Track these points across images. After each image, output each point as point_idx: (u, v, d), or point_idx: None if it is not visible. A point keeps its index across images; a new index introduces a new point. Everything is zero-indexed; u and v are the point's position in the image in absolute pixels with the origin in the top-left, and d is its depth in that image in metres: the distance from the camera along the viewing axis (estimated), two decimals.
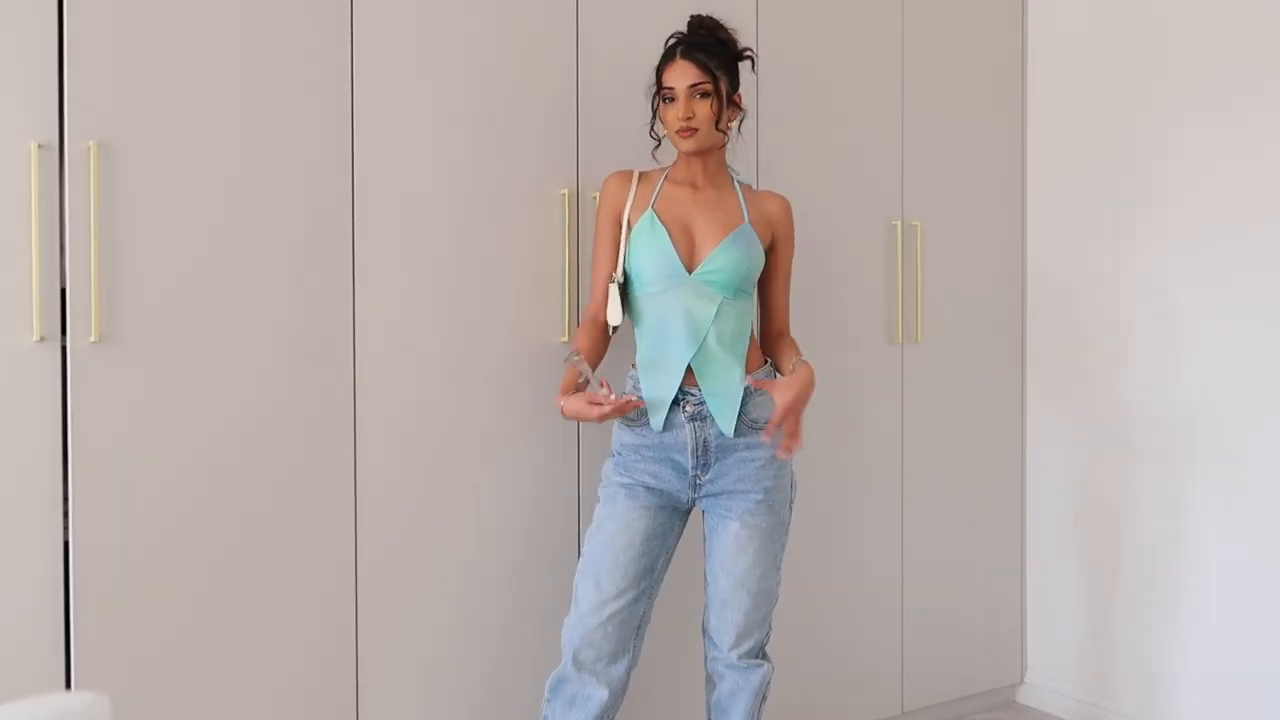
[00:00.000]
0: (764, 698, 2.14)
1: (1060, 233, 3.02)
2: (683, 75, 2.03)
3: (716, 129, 2.06)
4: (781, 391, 2.03)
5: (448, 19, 2.18)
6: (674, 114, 2.05)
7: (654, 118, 2.15)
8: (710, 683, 2.16)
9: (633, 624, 2.06)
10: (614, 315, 2.10)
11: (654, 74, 2.11)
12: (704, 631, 2.15)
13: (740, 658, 2.10)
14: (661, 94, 2.07)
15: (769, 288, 2.23)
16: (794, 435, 2.04)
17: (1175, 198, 2.75)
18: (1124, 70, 2.86)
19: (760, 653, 2.13)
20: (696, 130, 2.04)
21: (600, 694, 2.03)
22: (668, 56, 2.07)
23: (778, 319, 2.24)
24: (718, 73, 2.04)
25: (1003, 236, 3.06)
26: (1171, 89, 2.76)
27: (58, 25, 1.81)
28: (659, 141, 2.20)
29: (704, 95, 2.03)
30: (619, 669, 2.05)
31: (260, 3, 1.99)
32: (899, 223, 2.82)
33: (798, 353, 2.16)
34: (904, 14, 2.84)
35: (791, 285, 2.26)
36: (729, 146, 2.19)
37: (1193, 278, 2.71)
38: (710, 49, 2.05)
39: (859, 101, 2.77)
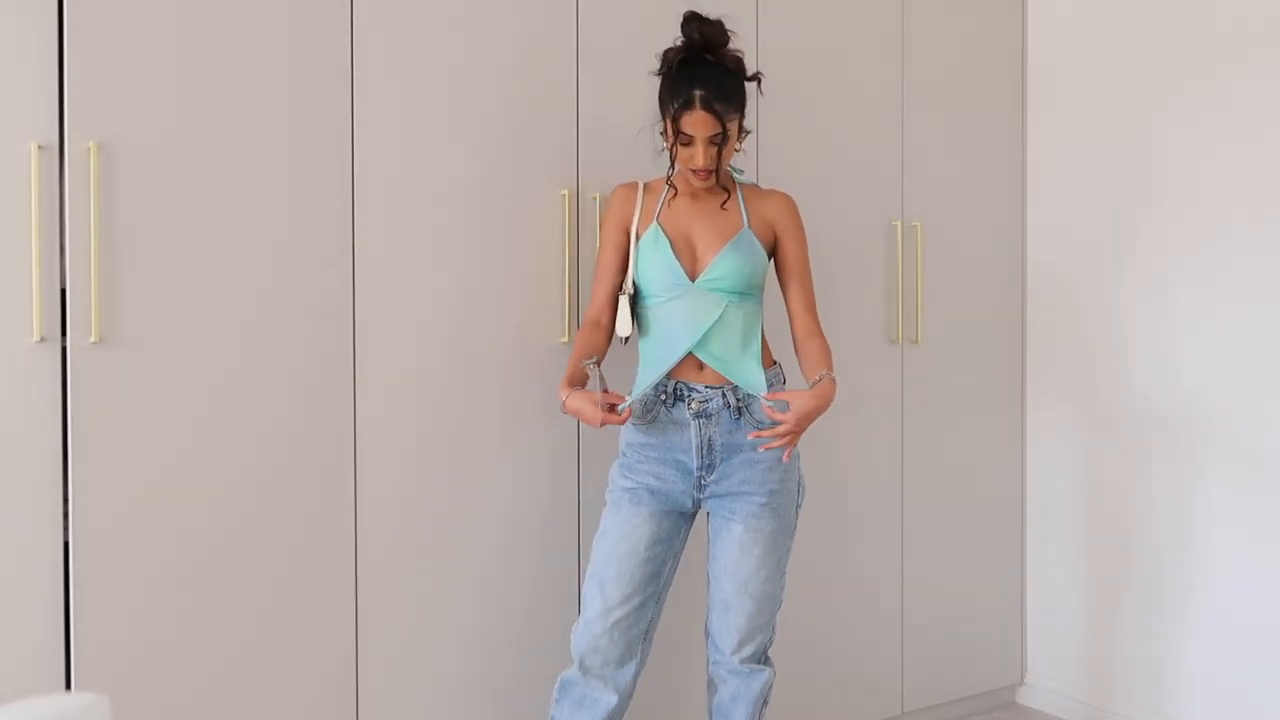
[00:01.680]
0: (765, 702, 2.14)
1: (1060, 233, 3.02)
2: (703, 126, 1.99)
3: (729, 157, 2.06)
4: (801, 400, 2.00)
5: (448, 19, 2.18)
6: (689, 156, 2.02)
7: (671, 158, 2.08)
8: (712, 686, 2.16)
9: (639, 629, 2.06)
10: (623, 327, 2.11)
11: (661, 101, 2.04)
12: (706, 634, 2.15)
13: (742, 662, 2.09)
14: (679, 139, 2.02)
15: (784, 289, 2.19)
16: (788, 441, 2.03)
17: (1175, 198, 2.75)
18: (1124, 70, 2.86)
19: (762, 657, 2.13)
20: (712, 171, 2.04)
21: (608, 698, 2.04)
22: (685, 104, 1.97)
23: (800, 322, 2.17)
24: (735, 115, 2.01)
25: (1003, 236, 3.06)
26: (1171, 89, 2.76)
27: (58, 25, 1.81)
28: (673, 167, 2.11)
29: (722, 142, 2.01)
30: (626, 673, 2.05)
31: (261, 3, 1.99)
32: (899, 223, 2.82)
33: (826, 364, 2.09)
34: (904, 14, 2.84)
35: (813, 284, 2.19)
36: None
37: (1193, 277, 2.71)
38: (727, 92, 1.99)
39: (859, 101, 2.77)
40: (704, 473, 2.07)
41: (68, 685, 1.84)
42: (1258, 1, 2.58)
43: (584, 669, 2.05)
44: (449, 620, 2.21)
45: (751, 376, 2.06)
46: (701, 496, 2.09)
